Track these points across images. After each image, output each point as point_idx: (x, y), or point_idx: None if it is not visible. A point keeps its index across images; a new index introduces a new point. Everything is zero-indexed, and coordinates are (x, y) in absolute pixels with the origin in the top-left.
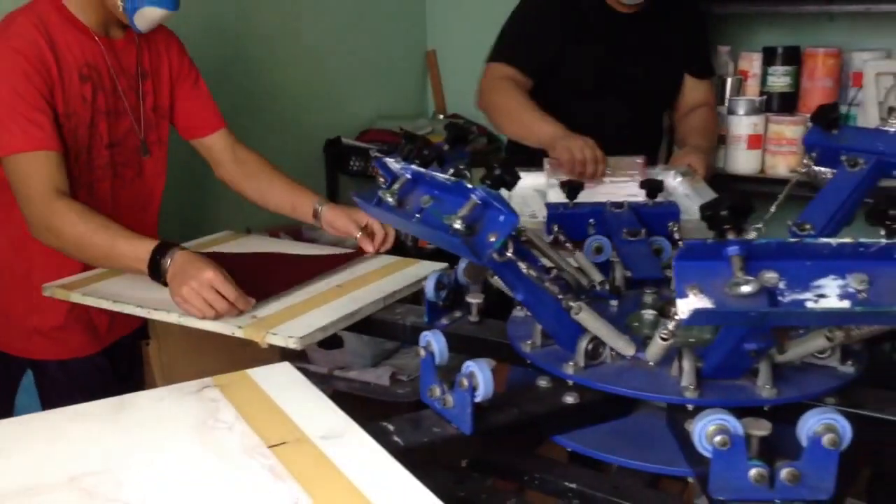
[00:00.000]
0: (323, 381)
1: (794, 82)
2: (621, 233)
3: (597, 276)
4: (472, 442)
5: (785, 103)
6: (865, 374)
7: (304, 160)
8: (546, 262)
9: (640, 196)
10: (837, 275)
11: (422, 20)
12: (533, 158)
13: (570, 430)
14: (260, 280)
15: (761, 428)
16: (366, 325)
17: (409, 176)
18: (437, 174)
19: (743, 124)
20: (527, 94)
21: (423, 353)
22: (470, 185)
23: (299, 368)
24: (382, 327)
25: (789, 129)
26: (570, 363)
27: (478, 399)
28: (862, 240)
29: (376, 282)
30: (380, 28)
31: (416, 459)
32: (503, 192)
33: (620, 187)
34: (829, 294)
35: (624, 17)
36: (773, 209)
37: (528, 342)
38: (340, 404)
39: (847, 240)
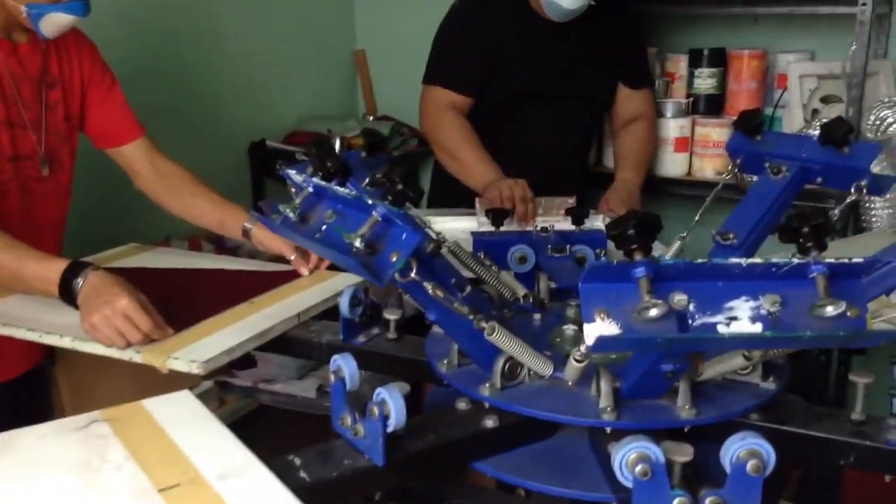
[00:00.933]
0: (247, 395)
1: (720, 84)
2: (547, 249)
3: (520, 290)
4: (386, 473)
5: (711, 105)
6: (790, 386)
7: (227, 164)
8: (469, 274)
9: None
10: (749, 295)
11: (350, 19)
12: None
13: (491, 455)
14: (185, 304)
15: (683, 453)
16: (279, 343)
17: (310, 189)
18: (338, 188)
19: (670, 127)
20: (466, 123)
21: (332, 378)
22: (370, 201)
23: (222, 382)
24: (296, 346)
25: (716, 132)
26: (487, 384)
27: (390, 429)
28: (774, 259)
29: (291, 297)
30: (307, 27)
31: (325, 496)
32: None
33: None
34: (741, 316)
35: (554, 28)
36: (697, 217)
37: (445, 361)
38: (266, 419)
39: (758, 259)
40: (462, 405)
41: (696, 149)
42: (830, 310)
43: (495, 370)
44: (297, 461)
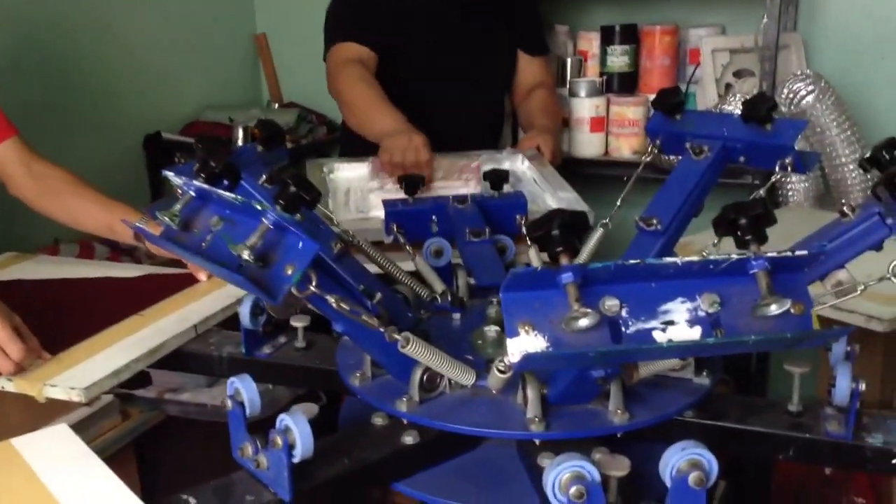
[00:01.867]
0: (153, 406)
1: (633, 61)
2: (465, 233)
3: (438, 286)
4: None
5: (625, 83)
6: (722, 381)
7: (121, 160)
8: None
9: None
10: (686, 296)
11: (249, 2)
12: (368, 153)
13: (412, 474)
14: (66, 320)
15: (619, 468)
16: (173, 360)
17: (192, 193)
18: (223, 192)
19: (585, 106)
20: (372, 76)
21: (230, 403)
22: (259, 206)
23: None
24: (194, 361)
25: (631, 110)
26: (404, 398)
27: (296, 459)
28: (710, 256)
29: (187, 306)
30: (202, 12)
31: None
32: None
33: (454, 191)
34: (678, 320)
35: (461, 4)
36: (619, 203)
37: (358, 374)
38: (175, 430)
39: (694, 257)
40: (379, 420)
41: (612, 128)
42: (774, 308)
43: (412, 382)
44: (192, 501)
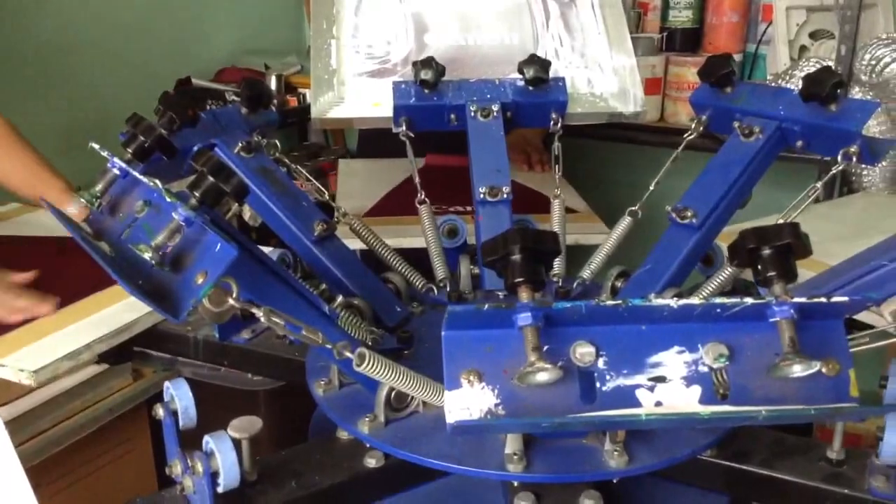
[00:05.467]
0: (166, 367)
1: (697, 17)
2: (479, 189)
3: (440, 272)
4: None
5: (688, 41)
6: None
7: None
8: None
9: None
10: (684, 345)
11: None
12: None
13: (376, 499)
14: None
15: None
16: (145, 340)
17: (116, 171)
18: (140, 175)
19: (641, 66)
20: None
21: (161, 412)
22: (169, 198)
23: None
24: (167, 342)
25: (691, 72)
26: (367, 418)
27: (220, 489)
28: (717, 300)
29: None
30: None
31: None
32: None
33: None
34: (671, 376)
35: None
36: (652, 187)
37: (324, 381)
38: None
39: (695, 300)
40: (345, 435)
41: (669, 91)
42: (798, 369)
43: (378, 401)
44: None
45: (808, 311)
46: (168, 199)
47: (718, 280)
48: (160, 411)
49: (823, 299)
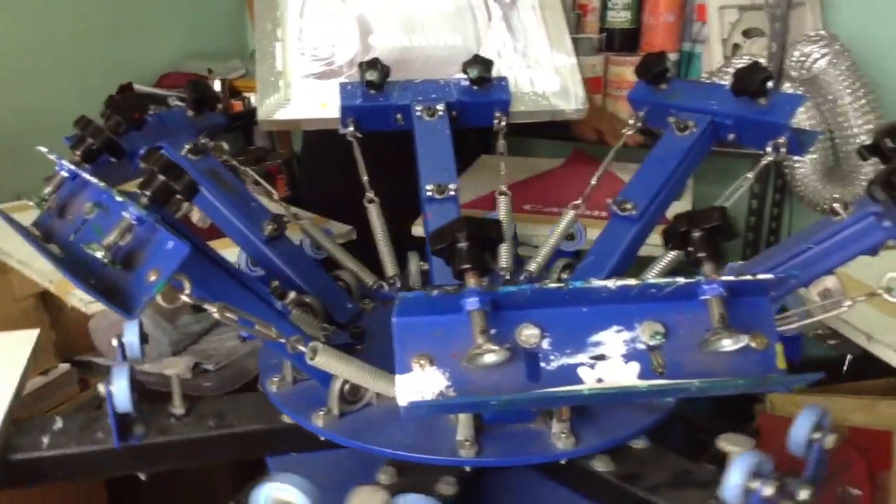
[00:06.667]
0: None
1: (635, 17)
2: (425, 185)
3: (390, 269)
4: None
5: (626, 41)
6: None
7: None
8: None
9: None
10: (623, 325)
11: None
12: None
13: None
14: None
15: None
16: None
17: (65, 174)
18: (90, 177)
19: (581, 66)
20: None
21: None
22: (120, 198)
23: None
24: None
25: (630, 71)
26: (322, 412)
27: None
28: (651, 280)
29: None
30: None
31: None
32: None
33: None
34: (611, 354)
35: None
36: (593, 181)
37: (276, 378)
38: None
39: (632, 281)
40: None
41: (610, 90)
42: (727, 343)
43: (331, 394)
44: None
45: (736, 289)
46: (118, 199)
47: (662, 264)
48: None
49: (749, 277)
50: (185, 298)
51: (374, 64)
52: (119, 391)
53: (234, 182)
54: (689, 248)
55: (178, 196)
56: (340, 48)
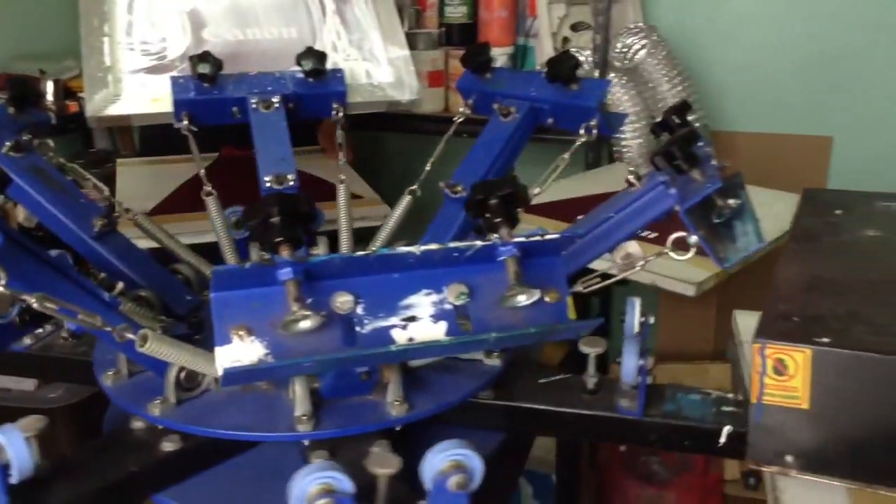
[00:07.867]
0: None
1: (471, 12)
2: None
3: (231, 259)
4: None
5: (464, 36)
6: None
7: None
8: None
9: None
10: (431, 288)
11: None
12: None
13: (174, 483)
14: None
15: (388, 465)
16: None
17: None
18: None
19: (423, 60)
20: None
21: None
22: None
23: None
24: None
25: None
26: (158, 400)
27: (14, 479)
28: (454, 244)
29: None
30: None
31: None
32: None
33: None
34: (421, 315)
35: None
36: (428, 166)
37: (112, 371)
38: None
39: (434, 245)
40: (139, 424)
41: (451, 83)
42: (522, 299)
43: (167, 382)
44: None
45: (529, 249)
46: None
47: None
48: None
49: (538, 238)
50: (1, 289)
51: (205, 57)
52: (20, 455)
53: (60, 179)
54: (487, 215)
55: None
56: (172, 42)
